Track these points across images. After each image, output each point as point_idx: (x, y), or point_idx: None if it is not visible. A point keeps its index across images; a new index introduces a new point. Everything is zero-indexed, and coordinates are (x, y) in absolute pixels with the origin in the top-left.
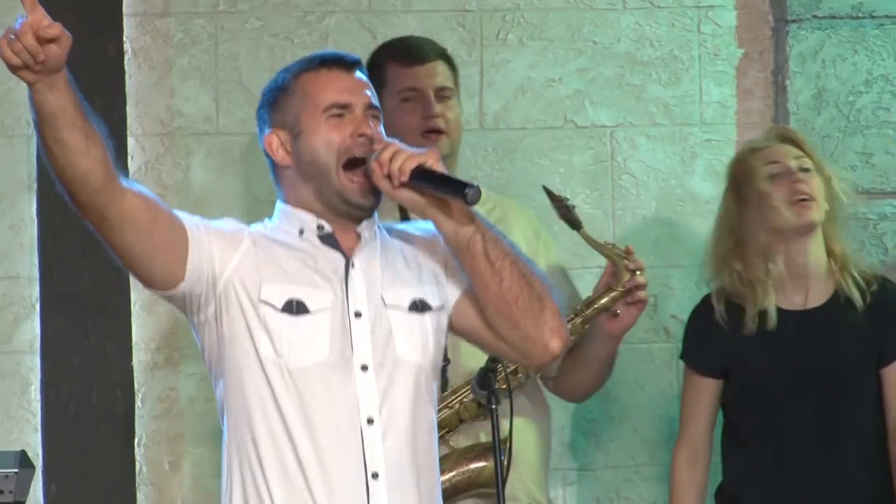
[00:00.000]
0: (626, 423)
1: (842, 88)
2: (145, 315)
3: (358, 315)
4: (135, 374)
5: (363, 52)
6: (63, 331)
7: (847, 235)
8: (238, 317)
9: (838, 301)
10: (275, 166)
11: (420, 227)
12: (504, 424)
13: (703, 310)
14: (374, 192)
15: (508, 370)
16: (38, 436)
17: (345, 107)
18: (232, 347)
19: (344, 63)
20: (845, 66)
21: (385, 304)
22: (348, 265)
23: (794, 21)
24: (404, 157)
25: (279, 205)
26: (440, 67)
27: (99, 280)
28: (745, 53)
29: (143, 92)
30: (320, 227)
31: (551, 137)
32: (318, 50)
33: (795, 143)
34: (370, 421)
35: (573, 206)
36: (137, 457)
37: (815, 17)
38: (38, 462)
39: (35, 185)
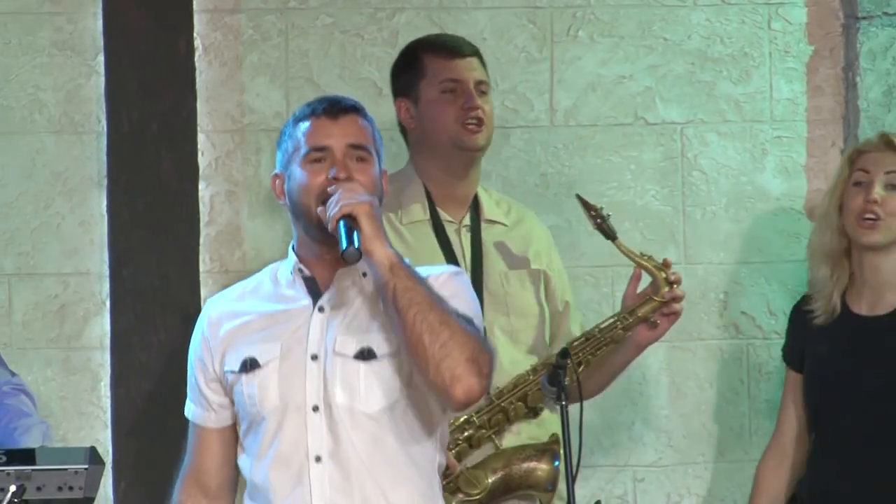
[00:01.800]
0: (695, 420)
1: None
2: None
3: (314, 358)
4: None
5: None
6: (133, 327)
7: None
8: (232, 392)
9: None
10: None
11: (438, 270)
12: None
13: (797, 305)
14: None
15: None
16: (108, 432)
17: (322, 150)
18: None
19: (330, 111)
20: None
21: (334, 350)
22: (317, 310)
23: (864, 18)
24: (340, 203)
25: (291, 243)
26: (477, 63)
27: (168, 276)
28: (815, 50)
29: (213, 88)
30: (300, 271)
31: (622, 134)
32: (387, 46)
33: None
34: (318, 459)
35: (608, 216)
36: None
37: (885, 13)
38: (108, 458)
39: (105, 182)
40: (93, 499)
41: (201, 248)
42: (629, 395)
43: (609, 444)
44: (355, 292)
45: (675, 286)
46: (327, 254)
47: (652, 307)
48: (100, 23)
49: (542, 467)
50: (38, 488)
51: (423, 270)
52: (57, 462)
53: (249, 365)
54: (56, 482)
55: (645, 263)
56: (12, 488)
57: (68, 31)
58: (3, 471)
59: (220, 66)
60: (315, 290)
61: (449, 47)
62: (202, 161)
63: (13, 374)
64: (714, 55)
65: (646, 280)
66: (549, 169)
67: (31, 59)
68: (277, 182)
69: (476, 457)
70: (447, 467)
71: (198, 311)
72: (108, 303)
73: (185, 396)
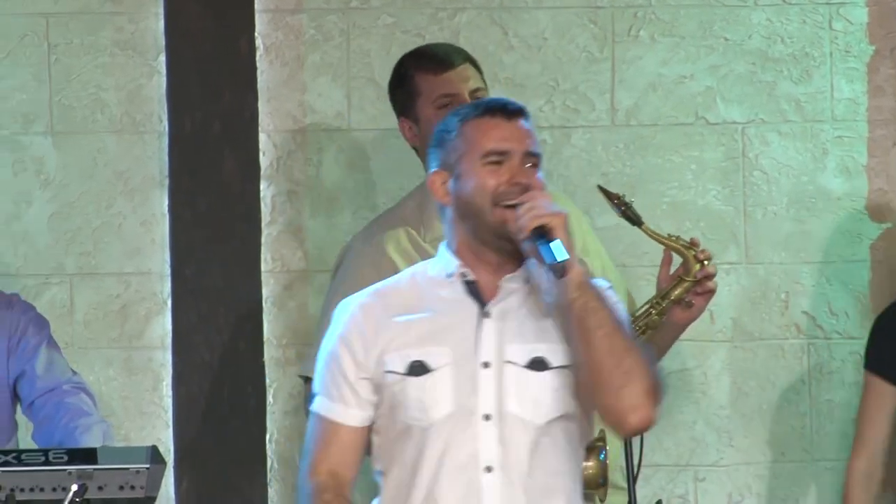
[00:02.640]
0: (756, 420)
1: None
2: (276, 311)
3: (486, 365)
4: (266, 370)
5: (495, 49)
6: (194, 326)
7: None
8: (384, 393)
9: None
10: (440, 204)
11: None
12: None
13: (889, 312)
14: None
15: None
16: (170, 431)
17: (503, 154)
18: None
19: (507, 111)
20: None
21: (505, 358)
22: (482, 315)
23: None
24: (532, 213)
25: (442, 245)
26: (469, 71)
27: (230, 276)
28: (876, 50)
29: (274, 88)
30: (463, 275)
31: (682, 134)
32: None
33: None
34: (488, 469)
35: (632, 202)
36: (269, 453)
37: None
38: (170, 457)
39: (166, 182)
40: (154, 498)
41: (263, 248)
42: (691, 395)
43: (670, 444)
44: (518, 298)
45: (705, 263)
46: (494, 257)
47: (685, 288)
48: (161, 23)
49: (590, 465)
50: (100, 487)
51: None
52: (118, 461)
53: (418, 368)
54: (117, 481)
55: (673, 244)
56: (74, 488)
57: (130, 31)
58: (64, 470)
59: (281, 65)
60: (477, 295)
61: (438, 60)
62: (263, 161)
63: (74, 373)
64: (775, 55)
65: (677, 262)
66: (611, 169)
67: (93, 59)
68: (438, 180)
69: None
70: None
71: (259, 310)
72: (169, 302)
73: (246, 396)
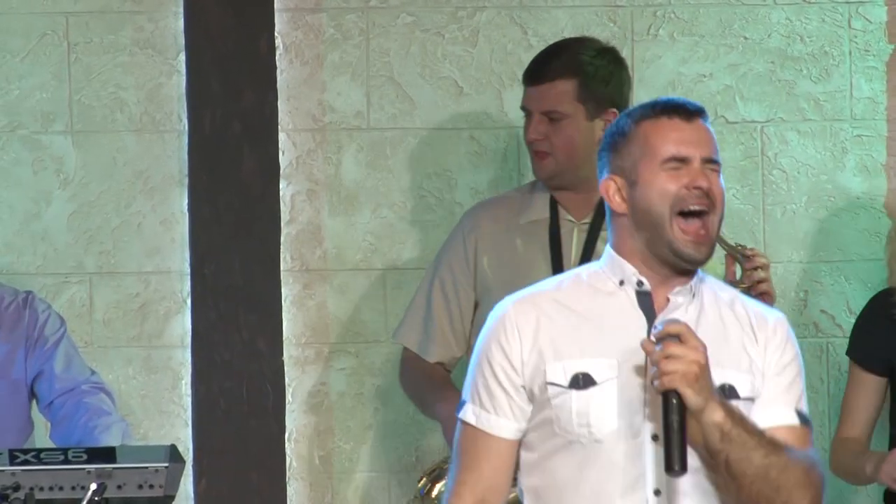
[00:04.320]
0: None
1: None
2: (296, 310)
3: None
4: (285, 369)
5: (514, 48)
6: (214, 325)
7: None
8: (541, 404)
9: None
10: (611, 212)
11: (762, 310)
12: None
13: (875, 303)
14: (708, 245)
15: None
16: (189, 430)
17: (683, 160)
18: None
19: (685, 112)
20: None
21: None
22: (650, 329)
23: None
24: (670, 368)
25: (608, 249)
26: (548, 90)
27: (250, 274)
28: (895, 49)
29: (294, 87)
30: (640, 284)
31: None
32: (468, 45)
33: None
34: (657, 492)
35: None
36: (288, 451)
37: None
38: (189, 456)
39: (186, 180)
40: (173, 497)
41: (282, 247)
42: None
43: None
44: (691, 312)
45: (759, 270)
46: (666, 271)
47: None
48: (181, 22)
49: None
50: (119, 486)
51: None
52: (137, 460)
53: (582, 381)
54: (136, 480)
55: (731, 251)
56: (93, 486)
57: (149, 31)
58: (83, 469)
59: (301, 65)
60: (648, 306)
61: (528, 73)
62: (283, 160)
63: (93, 373)
64: (794, 54)
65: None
66: None
67: (113, 57)
68: (612, 187)
69: None
70: None
71: (279, 309)
72: (188, 301)
73: (265, 395)
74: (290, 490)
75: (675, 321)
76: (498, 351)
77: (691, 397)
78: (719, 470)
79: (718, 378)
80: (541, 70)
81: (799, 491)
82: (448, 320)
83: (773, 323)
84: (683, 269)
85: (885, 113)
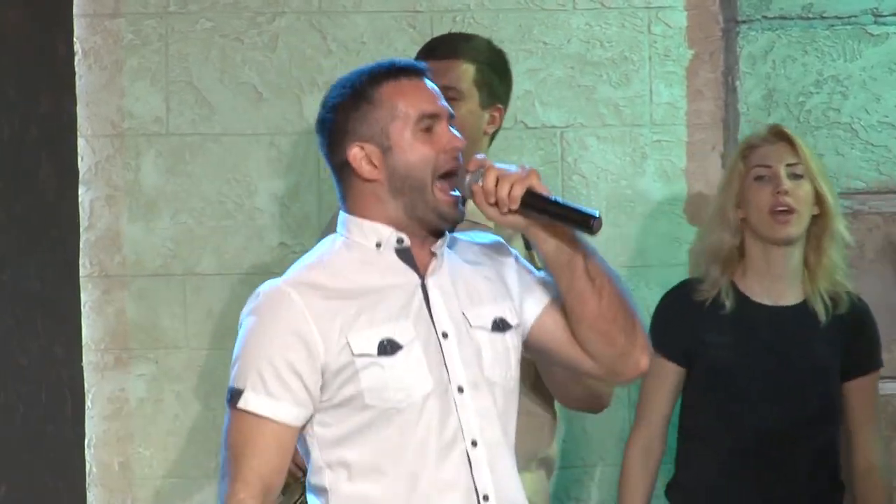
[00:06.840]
0: (576, 424)
1: (792, 89)
2: (95, 315)
3: (445, 336)
4: (84, 375)
5: (313, 53)
6: (12, 331)
7: (833, 244)
8: (345, 382)
9: (807, 307)
10: (350, 179)
11: (481, 238)
12: None
13: (675, 293)
14: (463, 204)
15: None
16: None
17: (433, 117)
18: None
19: (418, 70)
20: (795, 66)
21: (470, 324)
22: (424, 285)
23: (744, 22)
24: (510, 182)
25: (346, 216)
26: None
27: (48, 280)
28: (695, 54)
29: (93, 92)
30: (399, 241)
31: (501, 138)
32: (267, 51)
33: (792, 144)
34: (474, 443)
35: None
36: (87, 458)
37: (765, 17)
38: None
39: None
40: None
41: (81, 253)
42: None
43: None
44: (448, 264)
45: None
46: (427, 231)
47: None
48: None
49: None
50: None
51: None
52: None
53: (389, 347)
54: None
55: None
56: None
57: None
58: None
59: (99, 70)
60: (412, 263)
61: (430, 48)
62: (82, 166)
63: None
64: (594, 59)
65: None
66: None
67: None
68: (361, 153)
69: None
70: None
71: (77, 315)
72: None
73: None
74: (90, 496)
75: (476, 159)
76: (289, 334)
77: (545, 190)
78: (577, 273)
79: (491, 314)
80: (446, 45)
81: (637, 312)
82: None
83: (495, 244)
84: (442, 229)
85: (685, 118)
